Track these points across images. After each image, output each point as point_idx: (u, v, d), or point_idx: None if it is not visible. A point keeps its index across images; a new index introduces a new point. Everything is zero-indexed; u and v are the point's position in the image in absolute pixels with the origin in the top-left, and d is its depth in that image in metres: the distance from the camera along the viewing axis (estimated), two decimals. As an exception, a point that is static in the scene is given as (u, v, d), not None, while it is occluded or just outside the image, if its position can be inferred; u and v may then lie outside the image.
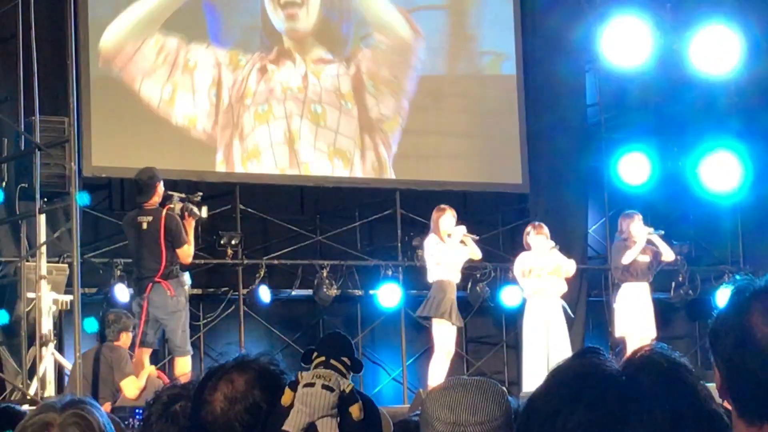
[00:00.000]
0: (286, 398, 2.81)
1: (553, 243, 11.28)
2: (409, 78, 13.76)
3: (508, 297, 13.08)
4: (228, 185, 12.76)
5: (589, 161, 14.38)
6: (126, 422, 6.52)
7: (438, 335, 10.89)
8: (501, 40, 14.22)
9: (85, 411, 2.61)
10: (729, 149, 13.88)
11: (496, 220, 14.53)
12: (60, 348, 10.61)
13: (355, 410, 2.80)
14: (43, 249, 10.28)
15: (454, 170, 13.86)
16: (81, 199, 9.70)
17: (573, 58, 14.17)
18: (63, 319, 10.81)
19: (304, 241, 13.46)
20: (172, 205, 9.99)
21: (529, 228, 11.48)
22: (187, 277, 10.07)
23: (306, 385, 2.80)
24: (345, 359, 2.89)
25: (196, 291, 11.98)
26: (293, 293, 13.32)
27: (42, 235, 10.25)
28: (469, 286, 13.39)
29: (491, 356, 14.33)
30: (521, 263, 11.28)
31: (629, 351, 1.66)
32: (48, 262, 10.45)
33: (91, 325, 9.63)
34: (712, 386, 1.98)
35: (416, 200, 13.61)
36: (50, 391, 9.80)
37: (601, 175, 14.41)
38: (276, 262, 13.21)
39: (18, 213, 10.74)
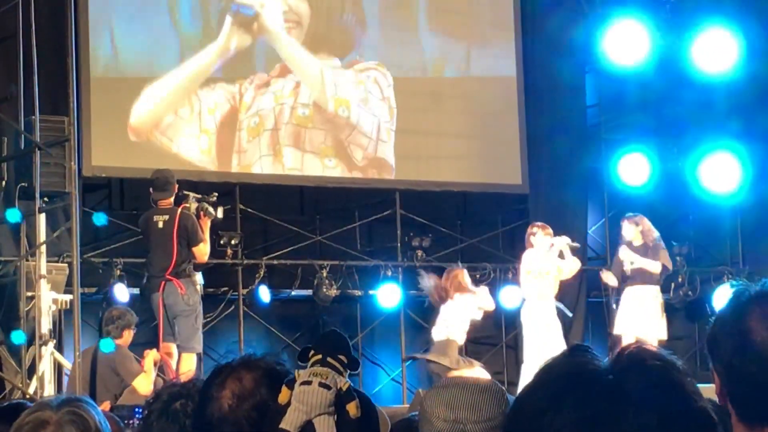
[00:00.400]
0: (283, 396, 2.81)
1: (575, 244, 11.53)
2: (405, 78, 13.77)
3: (507, 297, 13.09)
4: (228, 185, 12.77)
5: (589, 162, 14.39)
6: (126, 421, 6.52)
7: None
8: (501, 40, 14.23)
9: (81, 409, 2.62)
10: (728, 150, 13.88)
11: (496, 220, 14.53)
12: (59, 347, 10.62)
13: (352, 408, 2.80)
14: (43, 248, 10.29)
15: (454, 171, 13.86)
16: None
17: (573, 59, 14.18)
18: (62, 319, 10.82)
19: (303, 241, 13.46)
20: (188, 205, 10.08)
21: (535, 228, 11.50)
22: (199, 277, 10.19)
23: (303, 383, 2.80)
24: (342, 357, 2.89)
25: (196, 291, 11.99)
26: (293, 293, 13.32)
27: (42, 235, 10.26)
28: (469, 286, 13.39)
29: (491, 356, 14.32)
30: (528, 262, 11.31)
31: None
32: (48, 261, 10.45)
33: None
34: (710, 386, 1.99)
35: (416, 201, 13.61)
36: (49, 390, 9.79)
37: (600, 176, 14.42)
38: (276, 262, 13.21)
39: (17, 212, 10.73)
